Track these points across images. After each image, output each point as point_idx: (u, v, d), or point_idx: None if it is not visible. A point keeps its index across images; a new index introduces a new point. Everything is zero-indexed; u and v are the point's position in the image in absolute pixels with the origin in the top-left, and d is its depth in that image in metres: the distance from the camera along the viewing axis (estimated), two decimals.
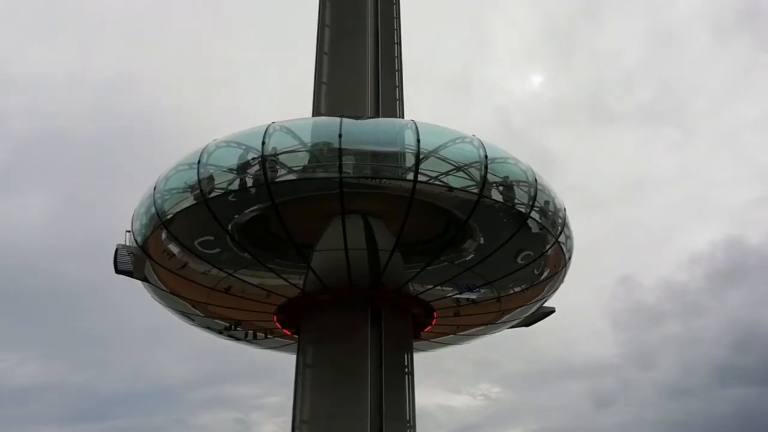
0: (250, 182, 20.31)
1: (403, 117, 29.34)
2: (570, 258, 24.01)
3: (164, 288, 24.30)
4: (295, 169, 20.31)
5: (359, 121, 22.36)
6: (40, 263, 70.43)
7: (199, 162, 20.58)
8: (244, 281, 22.97)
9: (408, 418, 23.61)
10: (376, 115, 27.49)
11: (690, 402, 74.64)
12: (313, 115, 28.22)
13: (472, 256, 22.28)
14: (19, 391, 72.58)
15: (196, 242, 21.76)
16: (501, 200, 21.12)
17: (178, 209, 20.90)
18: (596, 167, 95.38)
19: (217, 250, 21.91)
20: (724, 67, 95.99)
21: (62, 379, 74.93)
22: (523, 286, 24.49)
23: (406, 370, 24.49)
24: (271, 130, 20.40)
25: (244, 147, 20.61)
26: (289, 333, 26.01)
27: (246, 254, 21.92)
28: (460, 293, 24.39)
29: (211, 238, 21.44)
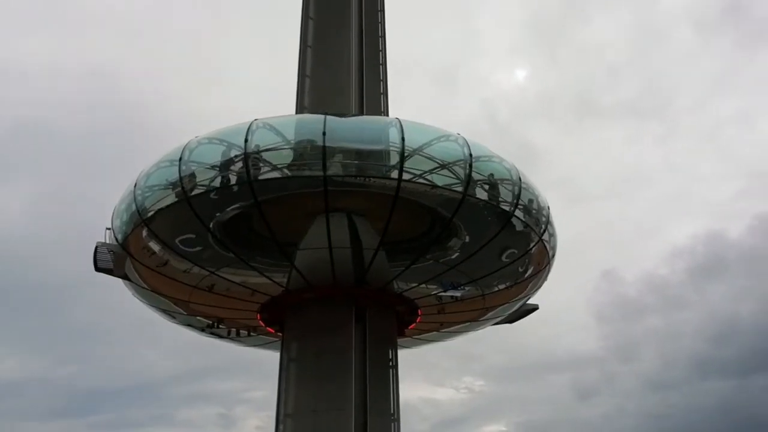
0: (232, 180, 20.08)
1: (387, 111, 29.15)
2: (553, 256, 24.08)
3: (145, 286, 23.98)
4: (278, 166, 20.11)
5: (343, 118, 22.13)
6: (21, 256, 69.53)
7: (180, 159, 20.27)
8: (227, 279, 22.74)
9: (392, 412, 23.62)
10: (360, 108, 27.28)
11: (671, 394, 75.85)
12: (296, 109, 27.91)
13: (456, 254, 22.27)
14: (2, 385, 71.88)
15: (177, 240, 21.49)
16: (485, 198, 21.13)
17: (159, 207, 20.59)
18: (581, 162, 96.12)
19: (199, 248, 21.68)
20: (708, 62, 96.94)
21: (44, 374, 74.32)
22: (506, 284, 24.53)
23: (390, 364, 24.47)
24: (254, 127, 20.15)
25: (226, 144, 20.35)
26: (273, 331, 25.85)
27: (229, 253, 21.66)
28: (445, 291, 24.36)
29: (193, 236, 21.20)
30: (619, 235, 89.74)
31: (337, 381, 22.30)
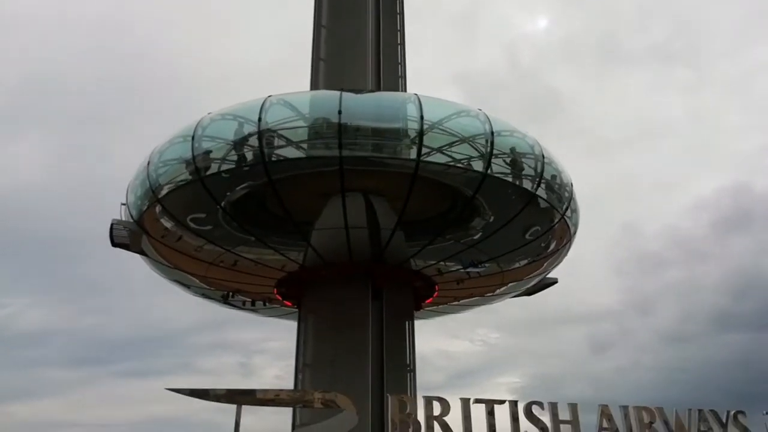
0: (246, 158, 19.60)
1: (404, 68, 28.25)
2: (575, 233, 23.52)
3: (162, 261, 23.92)
4: (292, 145, 19.56)
5: (360, 95, 21.36)
6: (41, 210, 70.16)
7: (193, 137, 19.81)
8: (244, 257, 22.58)
9: (408, 362, 23.70)
10: (377, 73, 26.42)
11: (687, 348, 75.63)
12: (311, 69, 27.25)
13: (476, 233, 21.80)
14: (27, 335, 73.78)
15: (192, 218, 21.22)
16: (507, 176, 20.49)
17: (173, 186, 20.27)
18: (604, 110, 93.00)
19: (214, 226, 21.37)
20: (742, 5, 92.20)
21: (69, 325, 75.92)
22: (526, 261, 24.13)
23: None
24: (267, 104, 19.52)
25: (239, 121, 19.81)
26: (290, 304, 25.81)
27: (244, 232, 21.40)
28: (464, 269, 24.03)
29: (208, 214, 20.87)
30: (640, 187, 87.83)
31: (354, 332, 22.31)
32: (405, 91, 27.74)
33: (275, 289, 24.89)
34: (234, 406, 14.39)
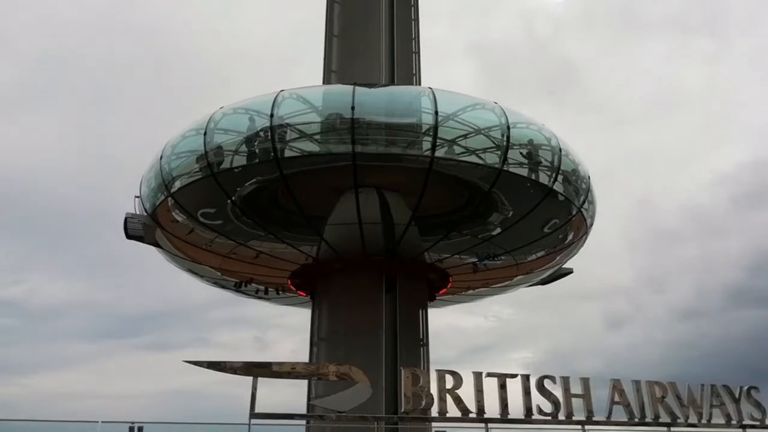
0: (258, 154, 19.41)
1: (418, 53, 27.74)
2: (591, 225, 23.21)
3: (176, 253, 23.99)
4: (305, 141, 19.34)
5: (373, 90, 20.94)
6: (56, 188, 70.70)
7: (205, 132, 19.64)
8: (257, 250, 22.55)
9: (421, 336, 23.69)
10: (391, 57, 25.98)
11: (702, 324, 75.18)
12: (324, 63, 26.95)
13: (491, 227, 21.58)
14: (48, 309, 75.15)
15: (205, 213, 21.19)
16: (524, 170, 20.15)
17: (185, 182, 20.17)
18: (621, 82, 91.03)
19: (226, 221, 21.30)
20: None
21: (88, 299, 77.13)
22: (541, 254, 23.90)
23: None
24: (280, 98, 19.28)
25: (251, 116, 19.56)
26: (304, 294, 25.85)
27: (257, 227, 21.34)
28: (480, 262, 23.88)
29: (220, 210, 20.78)
30: (657, 162, 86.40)
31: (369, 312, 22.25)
32: (419, 74, 27.22)
33: (289, 280, 24.92)
34: (250, 379, 14.60)
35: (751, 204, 76.97)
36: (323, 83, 26.62)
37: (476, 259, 23.72)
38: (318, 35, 27.77)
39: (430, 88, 19.64)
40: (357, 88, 19.22)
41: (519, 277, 26.02)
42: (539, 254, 23.96)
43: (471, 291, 27.72)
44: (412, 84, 26.33)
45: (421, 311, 24.46)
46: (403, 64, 25.99)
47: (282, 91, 19.44)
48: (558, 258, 24.73)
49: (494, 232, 21.70)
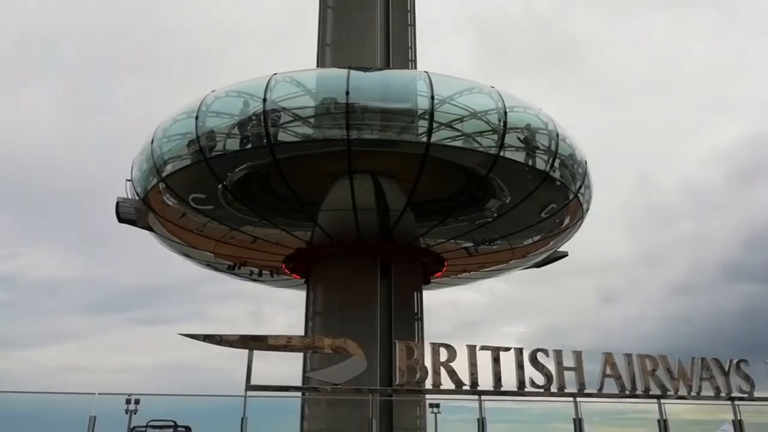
0: (250, 138, 19.08)
1: (414, 26, 27.28)
2: (588, 209, 23.09)
3: (170, 238, 23.77)
4: (298, 126, 18.98)
5: (368, 73, 20.52)
6: (51, 161, 70.11)
7: (197, 116, 19.26)
8: (251, 235, 22.36)
9: (416, 311, 23.82)
10: (386, 29, 25.53)
11: (695, 299, 75.82)
12: (318, 35, 26.47)
13: (488, 213, 21.42)
14: (44, 283, 75.19)
15: (197, 198, 20.91)
16: (521, 155, 19.90)
17: (178, 166, 19.83)
18: (621, 57, 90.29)
19: (219, 206, 21.04)
20: None
21: (84, 273, 77.11)
22: (537, 238, 23.79)
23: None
24: (273, 82, 18.87)
25: (244, 100, 19.19)
26: (298, 277, 25.73)
27: (250, 212, 21.10)
28: (475, 247, 23.78)
29: (212, 194, 20.50)
30: (655, 137, 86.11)
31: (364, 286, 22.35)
32: (415, 47, 27.00)
33: (283, 264, 24.79)
34: (246, 353, 14.63)
35: (747, 180, 77.13)
36: (317, 56, 26.39)
37: (472, 244, 23.61)
38: (313, 6, 27.30)
39: (426, 72, 19.25)
40: (352, 72, 18.82)
41: (514, 261, 25.98)
42: (534, 239, 23.87)
43: (466, 274, 27.69)
44: (408, 58, 26.07)
45: (416, 294, 24.44)
46: (399, 36, 25.58)
47: (275, 74, 19.03)
48: (552, 243, 24.66)
49: (490, 218, 21.48)
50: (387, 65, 24.83)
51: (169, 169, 20.07)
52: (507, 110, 19.29)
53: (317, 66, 25.77)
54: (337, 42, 26.06)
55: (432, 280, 26.03)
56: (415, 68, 26.28)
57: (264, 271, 27.38)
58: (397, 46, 25.51)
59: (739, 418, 18.53)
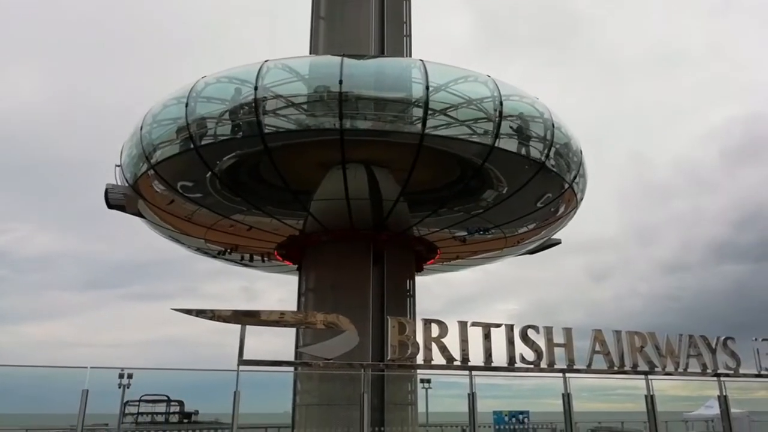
0: (241, 126, 18.75)
1: (409, 9, 26.84)
2: (582, 199, 23.00)
3: (160, 224, 23.51)
4: (290, 114, 18.65)
5: (362, 61, 20.16)
6: (43, 137, 69.26)
7: (187, 103, 18.88)
8: (242, 223, 22.14)
9: (408, 288, 23.92)
10: (381, 14, 25.18)
11: (684, 277, 76.56)
12: (312, 8, 26.17)
13: (483, 202, 21.29)
14: (35, 259, 74.80)
15: (186, 186, 20.60)
16: (515, 145, 19.69)
17: (168, 153, 19.47)
18: (624, 35, 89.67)
19: (209, 194, 20.76)
20: None
21: (75, 250, 76.83)
22: (530, 227, 23.72)
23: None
24: (264, 69, 18.49)
25: (236, 87, 18.79)
26: (291, 263, 25.57)
27: (241, 200, 20.87)
28: (469, 235, 23.69)
29: (202, 183, 20.19)
30: (652, 116, 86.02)
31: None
32: (410, 21, 26.60)
33: (275, 251, 24.62)
34: (238, 329, 14.58)
35: (741, 159, 77.35)
36: (311, 29, 26.13)
37: (466, 233, 23.54)
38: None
39: (421, 60, 18.90)
40: (345, 59, 18.47)
41: (507, 249, 25.95)
42: (528, 228, 23.81)
43: (459, 260, 27.65)
44: (404, 33, 25.75)
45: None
46: (394, 9, 25.31)
47: (267, 61, 18.65)
48: (545, 232, 24.65)
49: (485, 207, 21.36)
50: (381, 40, 24.59)
51: (158, 155, 19.73)
52: (503, 100, 19.04)
53: (311, 39, 25.65)
54: (331, 15, 25.75)
55: (425, 267, 25.99)
56: (411, 43, 26.08)
57: (255, 256, 27.22)
58: (392, 19, 25.17)
59: (724, 393, 18.93)
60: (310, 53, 26.10)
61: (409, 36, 26.84)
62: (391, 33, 25.64)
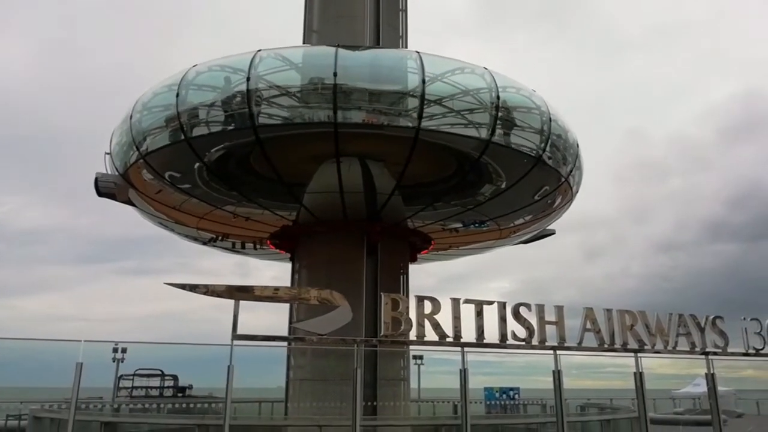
0: (233, 117, 18.36)
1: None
2: (577, 192, 22.86)
3: (151, 213, 23.25)
4: (283, 105, 18.31)
5: (357, 52, 19.73)
6: (36, 110, 68.30)
7: (177, 93, 18.47)
8: (234, 213, 21.91)
9: (401, 266, 24.07)
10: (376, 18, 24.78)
11: (677, 256, 76.79)
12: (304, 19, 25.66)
13: (478, 195, 21.14)
14: (28, 232, 74.34)
15: (176, 177, 20.31)
16: (511, 139, 19.45)
17: (158, 143, 19.13)
18: (622, 9, 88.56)
19: (198, 185, 20.49)
20: None
21: (68, 223, 76.32)
22: (525, 219, 23.62)
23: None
24: (257, 59, 18.07)
25: (227, 77, 18.40)
26: (283, 252, 25.43)
27: (232, 192, 20.63)
28: (465, 227, 23.58)
29: (192, 174, 19.90)
30: (649, 92, 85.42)
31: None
32: (406, 8, 26.22)
33: (269, 241, 24.45)
34: (232, 304, 14.48)
35: (738, 137, 77.16)
36: (305, 6, 25.71)
37: (461, 225, 23.43)
38: None
39: (417, 51, 18.52)
40: (339, 50, 18.07)
41: (501, 240, 25.88)
42: (523, 220, 23.71)
43: (453, 250, 27.59)
44: (399, 7, 25.50)
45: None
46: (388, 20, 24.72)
47: (260, 50, 18.23)
48: (538, 224, 24.58)
49: (481, 200, 21.22)
50: (377, 14, 24.35)
51: (148, 144, 19.38)
52: (500, 96, 18.76)
53: (305, 11, 25.40)
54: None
55: (419, 257, 25.90)
56: (406, 18, 25.81)
57: (247, 244, 27.06)
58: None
59: (712, 372, 19.10)
60: (304, 25, 25.79)
61: (405, 10, 26.42)
62: (386, 6, 25.15)
